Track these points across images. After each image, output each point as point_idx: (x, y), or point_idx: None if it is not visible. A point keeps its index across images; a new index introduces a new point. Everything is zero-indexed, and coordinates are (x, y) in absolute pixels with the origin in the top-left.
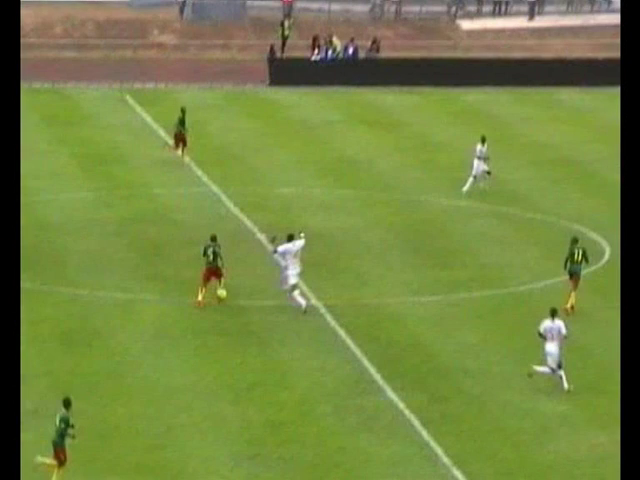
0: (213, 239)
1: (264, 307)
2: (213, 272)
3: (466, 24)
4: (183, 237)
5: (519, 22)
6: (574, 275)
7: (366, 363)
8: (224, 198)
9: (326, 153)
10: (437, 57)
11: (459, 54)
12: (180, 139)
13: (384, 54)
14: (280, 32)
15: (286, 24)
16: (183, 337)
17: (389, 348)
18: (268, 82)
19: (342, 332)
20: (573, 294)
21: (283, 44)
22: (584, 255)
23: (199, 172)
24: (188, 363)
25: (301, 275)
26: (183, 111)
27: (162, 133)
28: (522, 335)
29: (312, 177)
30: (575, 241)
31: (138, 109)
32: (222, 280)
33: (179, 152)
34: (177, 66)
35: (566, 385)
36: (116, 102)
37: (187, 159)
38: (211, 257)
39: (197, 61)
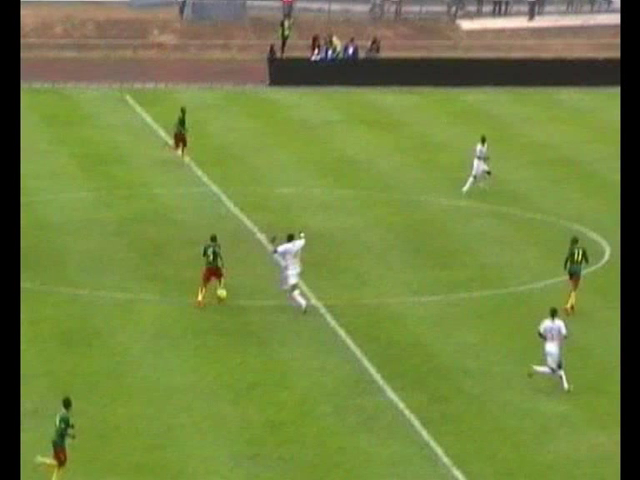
0: (213, 239)
1: (264, 307)
2: (213, 272)
3: (466, 24)
4: (183, 237)
5: (519, 22)
6: (574, 275)
7: (366, 363)
8: (224, 198)
9: (326, 153)
10: (437, 57)
11: (459, 54)
12: (180, 139)
13: (384, 54)
14: (280, 32)
15: (286, 24)
16: (183, 337)
17: (389, 348)
18: (268, 82)
19: (342, 332)
20: (573, 294)
21: (283, 44)
22: (584, 255)
23: (199, 172)
24: (188, 363)
25: (301, 275)
26: (183, 111)
27: (162, 133)
28: (522, 335)
29: (312, 177)
30: (575, 241)
31: (138, 109)
32: (222, 280)
33: (179, 152)
34: (177, 66)
35: (566, 385)
36: (116, 102)
37: (187, 159)
38: (211, 257)
39: (197, 61)
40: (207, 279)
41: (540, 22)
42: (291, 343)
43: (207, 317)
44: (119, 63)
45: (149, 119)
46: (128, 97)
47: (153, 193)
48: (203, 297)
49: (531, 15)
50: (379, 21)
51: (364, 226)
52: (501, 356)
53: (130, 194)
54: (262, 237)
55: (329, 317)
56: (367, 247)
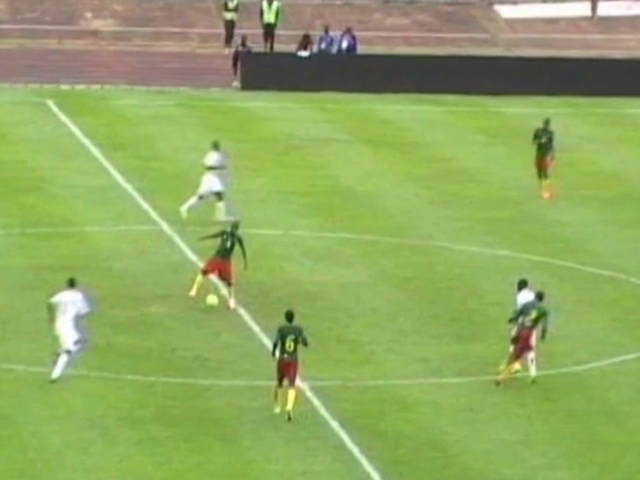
0: (235, 226)
1: (231, 388)
2: (221, 266)
3: (507, 10)
4: (122, 292)
5: (579, 8)
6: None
7: (367, 466)
8: (178, 240)
9: (316, 182)
10: (467, 55)
11: (497, 51)
12: None
13: (396, 50)
14: (262, 17)
15: (272, 5)
16: (119, 427)
17: (398, 446)
18: (239, 85)
19: (335, 423)
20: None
21: (266, 34)
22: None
23: (145, 205)
24: (125, 463)
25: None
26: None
27: (96, 152)
28: (578, 432)
29: (297, 214)
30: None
31: (63, 118)
32: (229, 286)
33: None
34: (117, 62)
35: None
36: (34, 108)
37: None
38: (228, 244)
39: (144, 55)
40: (210, 270)
41: (607, 9)
42: (267, 437)
43: (151, 400)
44: (39, 56)
45: (78, 132)
46: (50, 102)
47: (83, 232)
48: (197, 292)
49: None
50: (390, 5)
51: (366, 282)
52: (549, 459)
53: (52, 233)
54: (228, 292)
55: (317, 403)
56: (370, 310)
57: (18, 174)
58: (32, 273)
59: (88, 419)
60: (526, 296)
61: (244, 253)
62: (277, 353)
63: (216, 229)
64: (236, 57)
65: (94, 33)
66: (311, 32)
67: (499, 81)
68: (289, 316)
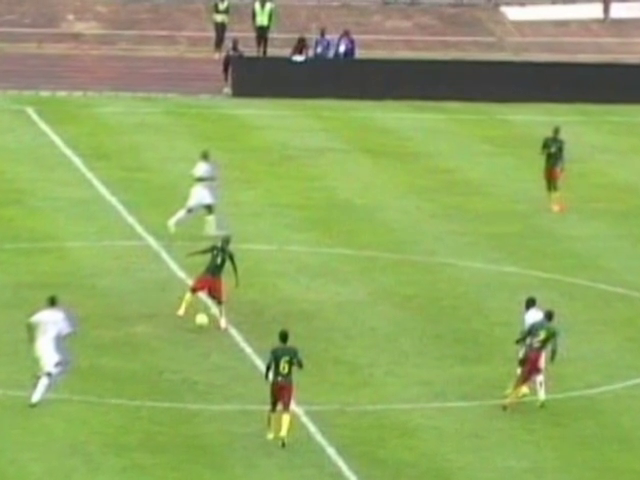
0: (226, 241)
1: (221, 412)
2: (211, 284)
3: (514, 12)
4: (106, 311)
5: (590, 10)
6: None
7: None
8: (165, 257)
9: (311, 194)
10: (472, 60)
11: (504, 56)
12: None
13: (397, 54)
14: (254, 20)
15: (265, 7)
16: (103, 454)
17: (399, 474)
18: (230, 91)
19: (331, 450)
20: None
21: (258, 37)
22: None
23: (130, 219)
24: None
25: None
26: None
27: (78, 162)
28: (590, 458)
29: (291, 229)
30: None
31: (44, 127)
32: (220, 305)
33: None
34: (101, 66)
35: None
36: (12, 116)
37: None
38: (218, 260)
39: (130, 60)
40: (200, 288)
41: (620, 11)
42: (259, 465)
43: (137, 426)
44: (17, 61)
45: (60, 142)
46: (30, 109)
47: (65, 247)
48: (185, 310)
49: (607, 1)
50: (391, 7)
51: (365, 300)
52: None
53: (32, 248)
54: (218, 311)
55: (313, 428)
56: (369, 330)
57: None
58: (11, 291)
59: (70, 445)
60: (534, 315)
61: (235, 270)
62: (270, 376)
63: (206, 244)
64: (227, 62)
65: (76, 36)
66: (306, 35)
67: (506, 87)
68: (283, 336)
